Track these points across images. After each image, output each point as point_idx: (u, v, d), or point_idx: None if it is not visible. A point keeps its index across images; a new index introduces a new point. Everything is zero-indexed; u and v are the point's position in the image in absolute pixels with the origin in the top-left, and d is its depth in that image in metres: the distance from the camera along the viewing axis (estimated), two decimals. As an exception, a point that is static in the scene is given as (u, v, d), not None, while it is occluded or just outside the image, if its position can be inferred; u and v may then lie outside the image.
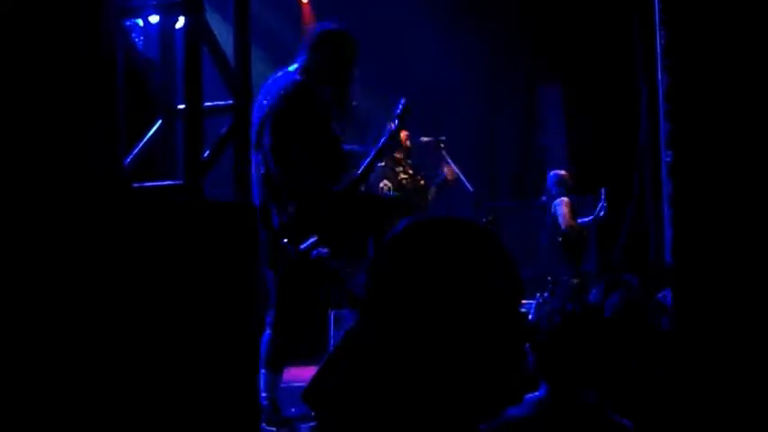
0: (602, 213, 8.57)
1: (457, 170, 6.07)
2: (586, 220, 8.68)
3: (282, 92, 4.84)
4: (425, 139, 6.32)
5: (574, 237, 8.46)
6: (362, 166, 5.09)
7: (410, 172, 5.72)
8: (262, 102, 4.88)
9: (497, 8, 9.43)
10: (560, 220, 8.46)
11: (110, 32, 3.39)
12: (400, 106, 5.27)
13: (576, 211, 8.59)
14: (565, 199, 8.57)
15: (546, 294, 6.55)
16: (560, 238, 8.48)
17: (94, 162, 3.24)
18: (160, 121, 3.98)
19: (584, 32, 9.36)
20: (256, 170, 4.75)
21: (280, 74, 5.02)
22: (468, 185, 6.16)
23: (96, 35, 3.31)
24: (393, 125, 5.23)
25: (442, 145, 5.78)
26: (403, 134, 5.63)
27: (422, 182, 5.79)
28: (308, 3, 9.61)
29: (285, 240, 4.63)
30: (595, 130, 9.62)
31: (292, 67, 5.00)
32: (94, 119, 3.26)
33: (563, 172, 8.81)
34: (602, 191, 8.60)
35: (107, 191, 3.24)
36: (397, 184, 5.62)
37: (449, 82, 9.36)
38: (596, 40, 9.30)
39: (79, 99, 3.22)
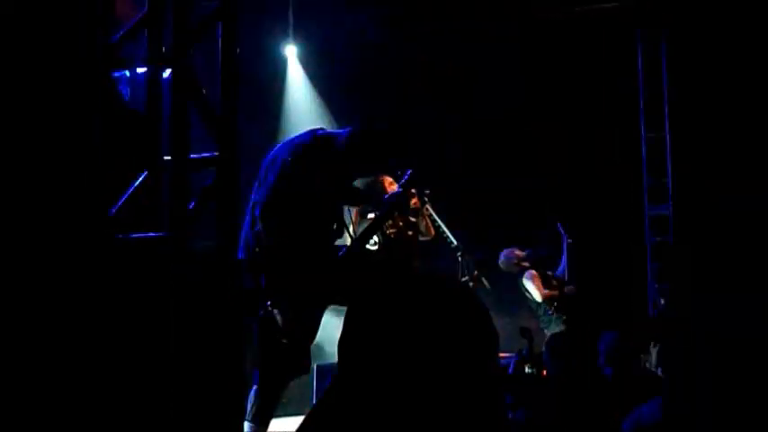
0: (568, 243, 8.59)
1: (440, 222, 6.07)
2: (561, 268, 8.70)
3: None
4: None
5: (555, 299, 8.48)
6: (362, 231, 5.18)
7: (400, 224, 5.74)
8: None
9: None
10: (534, 295, 8.48)
11: (95, 84, 3.42)
12: (406, 176, 5.32)
13: (545, 276, 8.59)
14: (531, 272, 8.58)
15: (524, 350, 6.55)
16: (549, 309, 8.47)
17: (78, 214, 3.24)
18: (146, 173, 3.99)
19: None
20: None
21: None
22: (453, 239, 6.15)
23: (81, 87, 3.33)
24: (398, 190, 5.29)
25: (426, 198, 5.78)
26: (394, 186, 5.66)
27: (410, 233, 5.80)
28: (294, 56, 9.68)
29: (269, 303, 4.63)
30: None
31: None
32: (79, 172, 3.27)
33: (516, 251, 8.78)
34: (558, 225, 8.62)
35: (89, 242, 3.24)
36: (384, 237, 5.63)
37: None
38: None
39: (64, 150, 3.23)
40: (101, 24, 3.60)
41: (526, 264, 8.65)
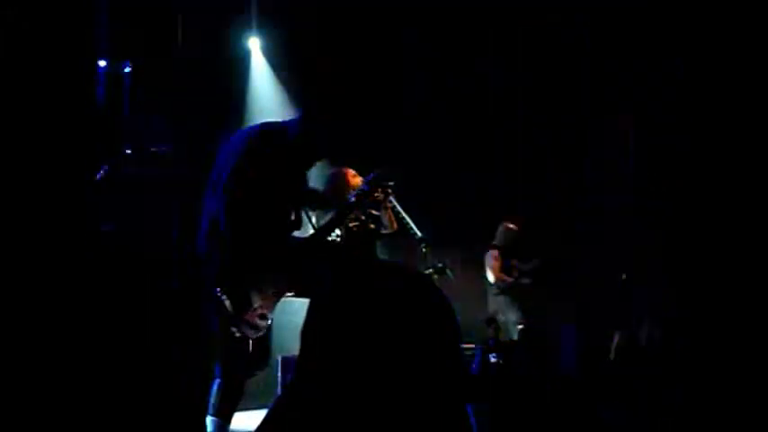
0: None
1: (405, 215, 6.07)
2: (528, 266, 8.77)
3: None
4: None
5: (508, 286, 8.57)
6: (323, 224, 5.17)
7: (362, 218, 5.73)
8: None
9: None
10: (488, 273, 8.59)
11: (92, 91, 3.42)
12: (372, 175, 5.32)
13: (504, 262, 8.66)
14: (493, 251, 8.67)
15: (491, 341, 6.60)
16: (497, 288, 8.59)
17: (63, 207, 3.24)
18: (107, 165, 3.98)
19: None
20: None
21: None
22: (417, 231, 6.15)
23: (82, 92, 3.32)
24: (363, 187, 5.30)
25: (390, 191, 5.77)
26: (357, 178, 5.66)
27: (371, 226, 5.79)
28: (258, 50, 9.65)
29: (218, 290, 4.62)
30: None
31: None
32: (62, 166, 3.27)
33: (508, 224, 8.88)
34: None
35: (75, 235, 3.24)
36: (346, 230, 5.62)
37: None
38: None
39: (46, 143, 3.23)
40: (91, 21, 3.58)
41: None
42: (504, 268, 8.68)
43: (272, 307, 4.85)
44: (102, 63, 4.13)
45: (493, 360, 7.45)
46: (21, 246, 3.06)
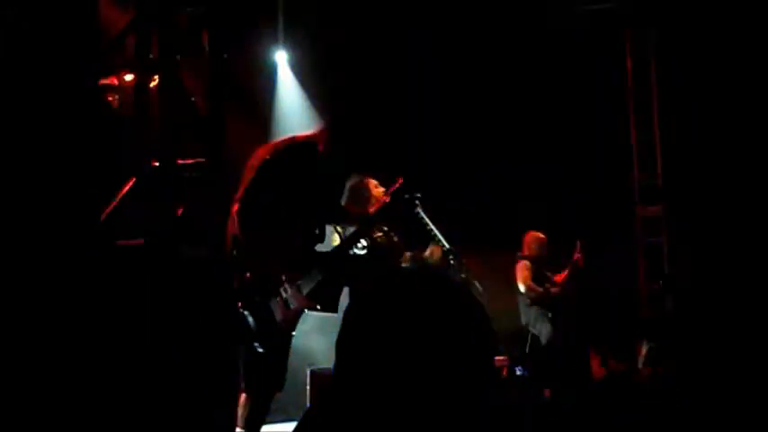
0: (580, 264, 8.63)
1: (432, 226, 6.05)
2: (563, 275, 8.70)
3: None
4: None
5: (539, 297, 8.52)
6: (346, 237, 5.17)
7: (385, 229, 5.72)
8: None
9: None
10: (519, 284, 8.56)
11: (84, 91, 3.42)
12: (396, 185, 5.30)
13: (536, 273, 8.62)
14: (524, 262, 8.64)
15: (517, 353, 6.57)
16: (529, 299, 8.55)
17: (72, 220, 3.25)
18: (134, 180, 3.99)
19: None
20: None
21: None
22: (446, 243, 6.13)
23: (71, 94, 3.34)
24: (387, 200, 5.28)
25: (417, 202, 5.74)
26: (379, 189, 5.65)
27: (395, 239, 5.78)
28: (284, 62, 9.69)
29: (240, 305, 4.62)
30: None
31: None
32: (71, 179, 3.28)
33: (537, 234, 8.84)
34: (577, 242, 8.66)
35: (84, 248, 3.25)
36: (372, 242, 5.60)
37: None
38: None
39: (56, 158, 3.24)
40: (87, 33, 3.61)
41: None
42: (534, 278, 8.63)
43: (294, 322, 4.84)
44: (128, 77, 4.14)
45: (519, 373, 7.41)
46: (21, 248, 3.07)
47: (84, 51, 3.50)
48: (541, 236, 8.82)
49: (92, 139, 3.48)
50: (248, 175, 4.76)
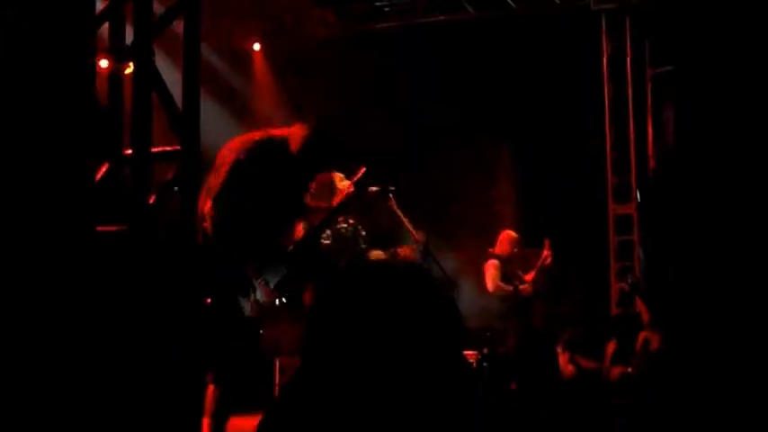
0: (548, 262, 8.67)
1: (404, 218, 6.06)
2: (532, 273, 8.74)
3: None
4: (372, 188, 6.26)
5: (508, 295, 8.56)
6: (315, 227, 5.16)
7: (350, 221, 5.73)
8: None
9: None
10: (487, 281, 8.60)
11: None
12: (360, 175, 5.29)
13: (506, 271, 8.65)
14: (492, 261, 8.66)
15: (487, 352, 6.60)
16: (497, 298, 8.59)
17: (58, 208, 3.23)
18: (107, 166, 3.96)
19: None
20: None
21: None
22: (415, 233, 6.14)
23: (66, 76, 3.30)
24: (351, 190, 5.27)
25: (391, 195, 5.74)
26: (344, 182, 5.64)
27: (362, 232, 5.78)
28: (259, 53, 9.66)
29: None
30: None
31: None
32: (55, 165, 3.25)
33: (511, 233, 8.86)
34: (545, 240, 8.70)
35: (69, 234, 3.23)
36: (335, 232, 5.60)
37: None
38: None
39: (40, 142, 3.22)
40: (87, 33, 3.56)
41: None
42: (503, 277, 8.66)
43: (264, 317, 4.84)
44: (103, 63, 4.11)
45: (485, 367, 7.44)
46: (18, 246, 3.05)
47: (85, 51, 3.46)
48: (514, 235, 8.85)
49: (89, 139, 3.46)
50: (222, 170, 4.75)
